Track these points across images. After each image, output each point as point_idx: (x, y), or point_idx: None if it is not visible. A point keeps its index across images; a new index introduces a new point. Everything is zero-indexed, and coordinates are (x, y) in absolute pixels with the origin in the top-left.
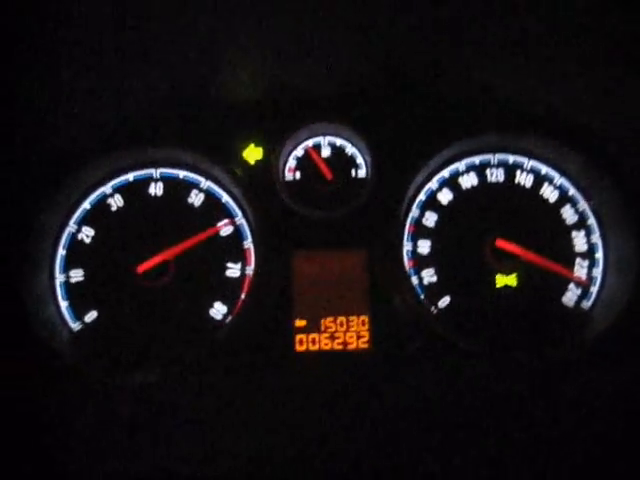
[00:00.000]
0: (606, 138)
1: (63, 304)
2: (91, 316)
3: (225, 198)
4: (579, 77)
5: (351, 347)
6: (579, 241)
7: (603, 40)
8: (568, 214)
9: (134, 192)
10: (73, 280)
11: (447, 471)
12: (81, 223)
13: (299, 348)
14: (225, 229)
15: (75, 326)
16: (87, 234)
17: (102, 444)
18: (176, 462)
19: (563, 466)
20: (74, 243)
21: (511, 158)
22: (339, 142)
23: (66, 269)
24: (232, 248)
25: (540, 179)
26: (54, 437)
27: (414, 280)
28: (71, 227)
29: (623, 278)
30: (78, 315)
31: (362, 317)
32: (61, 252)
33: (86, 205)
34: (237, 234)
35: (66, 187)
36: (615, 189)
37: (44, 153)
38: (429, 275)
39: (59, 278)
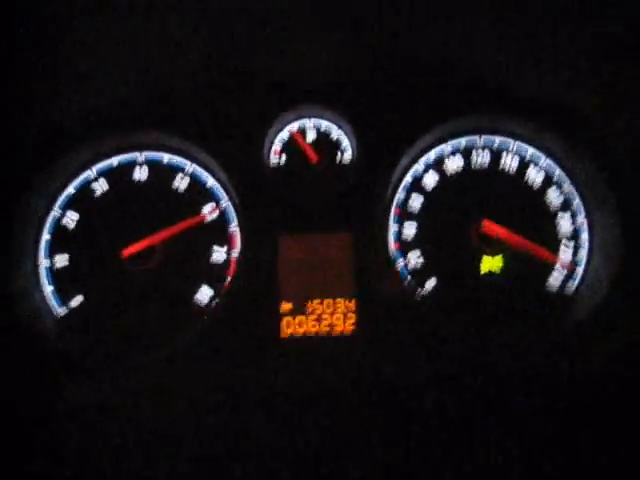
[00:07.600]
0: (589, 119)
1: (48, 289)
2: (76, 301)
3: (210, 182)
4: (563, 58)
5: (338, 329)
6: (564, 223)
7: (587, 22)
8: (554, 196)
9: (118, 176)
10: (58, 265)
11: (430, 452)
12: (65, 208)
13: (286, 331)
14: (211, 215)
15: (60, 311)
16: (72, 219)
17: (86, 428)
18: (161, 447)
19: (545, 448)
20: (58, 228)
21: (497, 140)
22: (324, 126)
23: (51, 254)
24: (217, 232)
25: (526, 161)
26: (38, 421)
27: (400, 263)
28: (55, 212)
29: (608, 260)
30: (63, 300)
31: (348, 300)
32: (45, 237)
33: (70, 190)
34: (222, 218)
35: (50, 171)
36: (599, 170)
37: (28, 137)
38: (415, 257)
39: (44, 263)
